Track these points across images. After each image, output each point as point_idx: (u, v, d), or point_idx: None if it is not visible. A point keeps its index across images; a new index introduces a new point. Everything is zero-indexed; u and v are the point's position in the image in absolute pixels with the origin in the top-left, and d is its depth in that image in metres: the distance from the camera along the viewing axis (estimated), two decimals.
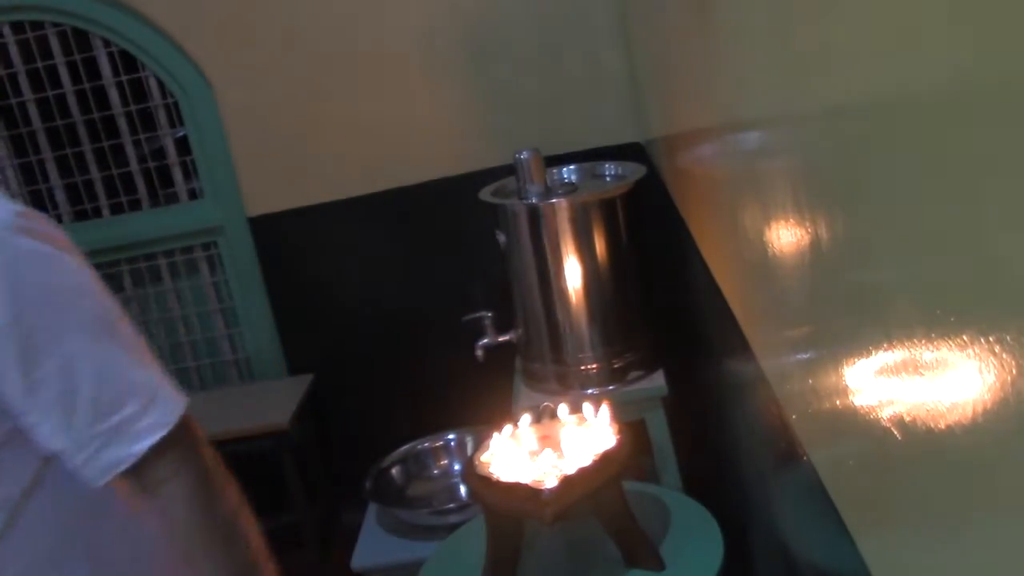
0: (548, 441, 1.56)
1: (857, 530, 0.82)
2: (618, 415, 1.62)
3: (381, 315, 2.84)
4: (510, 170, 2.12)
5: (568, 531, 1.64)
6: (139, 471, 1.07)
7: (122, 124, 2.78)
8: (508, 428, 1.58)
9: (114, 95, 2.75)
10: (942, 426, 0.55)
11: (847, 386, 0.76)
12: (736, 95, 1.09)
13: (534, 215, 2.01)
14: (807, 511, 1.07)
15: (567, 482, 1.42)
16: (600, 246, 2.02)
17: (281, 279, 2.85)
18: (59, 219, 2.87)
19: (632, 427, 1.81)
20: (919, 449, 0.61)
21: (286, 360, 2.92)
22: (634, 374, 2.08)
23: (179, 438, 1.09)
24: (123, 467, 1.06)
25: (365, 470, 2.35)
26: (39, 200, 2.87)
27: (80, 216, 2.88)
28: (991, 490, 0.50)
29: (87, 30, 2.67)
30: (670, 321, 2.20)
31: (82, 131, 2.80)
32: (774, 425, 1.15)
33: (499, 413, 1.66)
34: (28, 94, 2.76)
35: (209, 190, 2.83)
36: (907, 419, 0.61)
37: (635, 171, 2.12)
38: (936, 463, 0.58)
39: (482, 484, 1.48)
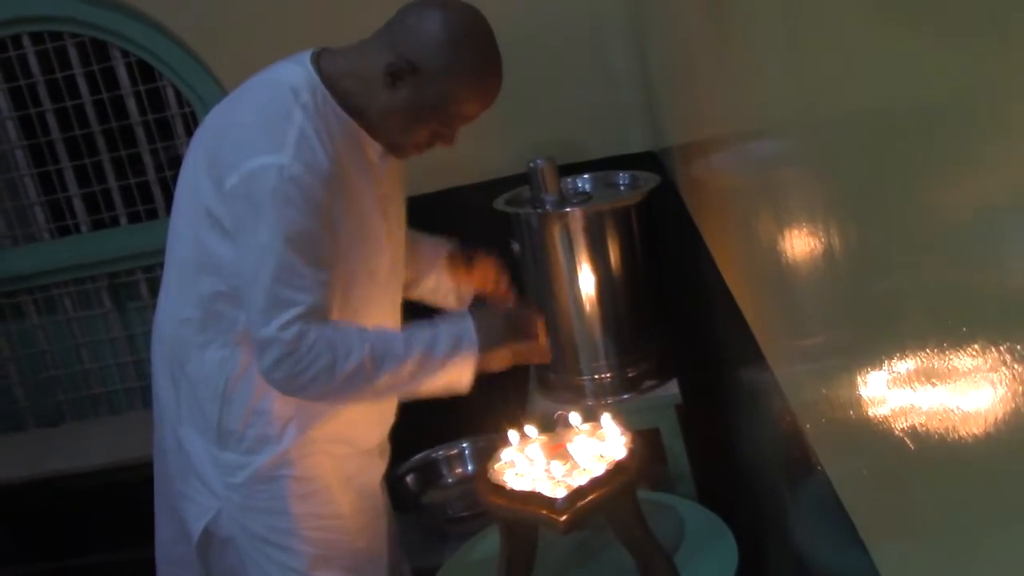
0: (561, 450, 1.56)
1: (872, 541, 0.82)
2: (632, 424, 1.62)
3: None
4: (524, 179, 2.12)
5: (582, 540, 1.64)
6: None
7: (140, 133, 2.80)
8: (520, 437, 1.58)
9: (132, 105, 2.77)
10: (955, 437, 0.55)
11: (861, 396, 0.76)
12: (751, 104, 1.09)
13: (548, 224, 2.01)
14: (821, 521, 1.07)
15: (580, 491, 1.42)
16: (614, 255, 2.02)
17: None
18: (77, 228, 2.90)
19: (646, 436, 1.81)
20: (932, 459, 0.61)
21: None
22: (648, 383, 2.08)
23: None
24: None
25: None
26: (58, 209, 2.90)
27: (98, 225, 2.90)
28: (1005, 501, 0.50)
29: (105, 40, 2.70)
30: (684, 330, 2.20)
31: (100, 141, 2.82)
32: (788, 435, 1.15)
33: (513, 422, 1.66)
34: (47, 104, 2.79)
35: None
36: (920, 429, 0.61)
37: (649, 180, 2.12)
38: (950, 474, 0.58)
39: (495, 493, 1.48)
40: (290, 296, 1.38)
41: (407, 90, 1.45)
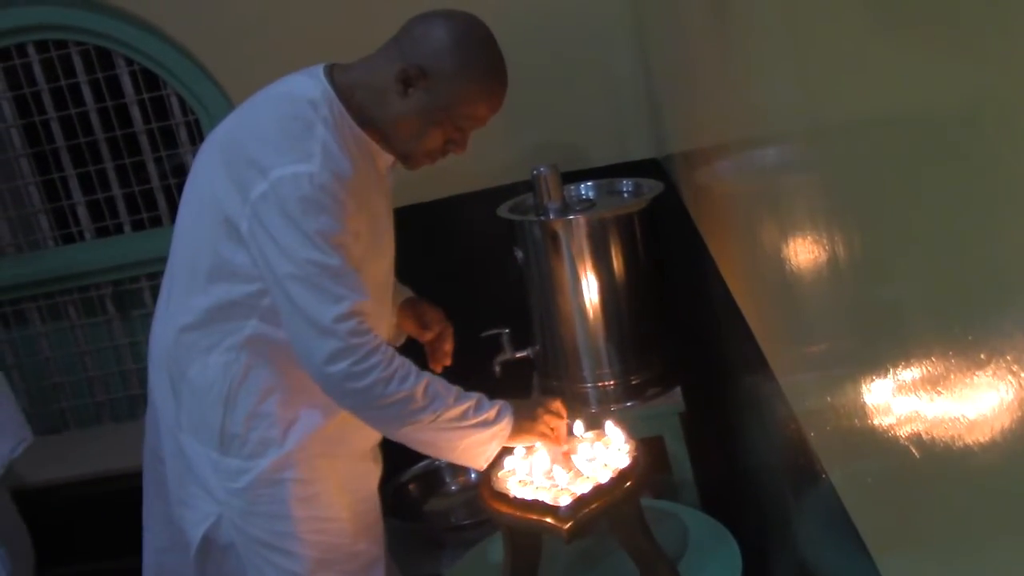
0: (565, 458, 1.56)
1: (876, 549, 0.82)
2: (636, 432, 1.62)
3: None
4: (528, 186, 2.12)
5: (585, 548, 1.64)
6: None
7: (143, 142, 2.81)
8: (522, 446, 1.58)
9: (136, 113, 2.78)
10: (961, 445, 0.55)
11: (865, 404, 0.76)
12: (754, 111, 1.09)
13: (552, 232, 2.01)
14: (826, 529, 1.07)
15: (584, 499, 1.42)
16: (618, 262, 2.02)
17: None
18: (81, 236, 2.90)
19: (650, 444, 1.81)
20: (937, 468, 0.61)
21: None
22: (652, 391, 2.08)
23: None
24: None
25: (382, 486, 2.35)
26: (62, 217, 2.90)
27: (102, 232, 2.91)
28: (1011, 510, 0.50)
29: (110, 49, 2.71)
30: (688, 337, 2.20)
31: (104, 149, 2.83)
32: (792, 442, 1.15)
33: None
34: (51, 112, 2.80)
35: None
36: (925, 437, 0.61)
37: (652, 187, 2.12)
38: (955, 482, 0.58)
39: (499, 501, 1.48)
40: (337, 291, 1.41)
41: (419, 94, 1.49)
